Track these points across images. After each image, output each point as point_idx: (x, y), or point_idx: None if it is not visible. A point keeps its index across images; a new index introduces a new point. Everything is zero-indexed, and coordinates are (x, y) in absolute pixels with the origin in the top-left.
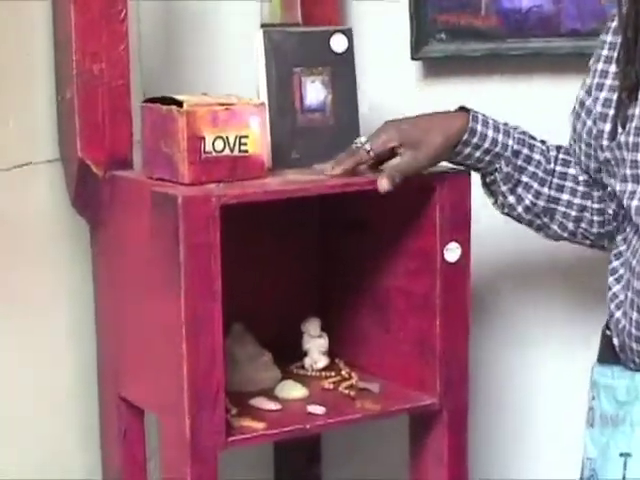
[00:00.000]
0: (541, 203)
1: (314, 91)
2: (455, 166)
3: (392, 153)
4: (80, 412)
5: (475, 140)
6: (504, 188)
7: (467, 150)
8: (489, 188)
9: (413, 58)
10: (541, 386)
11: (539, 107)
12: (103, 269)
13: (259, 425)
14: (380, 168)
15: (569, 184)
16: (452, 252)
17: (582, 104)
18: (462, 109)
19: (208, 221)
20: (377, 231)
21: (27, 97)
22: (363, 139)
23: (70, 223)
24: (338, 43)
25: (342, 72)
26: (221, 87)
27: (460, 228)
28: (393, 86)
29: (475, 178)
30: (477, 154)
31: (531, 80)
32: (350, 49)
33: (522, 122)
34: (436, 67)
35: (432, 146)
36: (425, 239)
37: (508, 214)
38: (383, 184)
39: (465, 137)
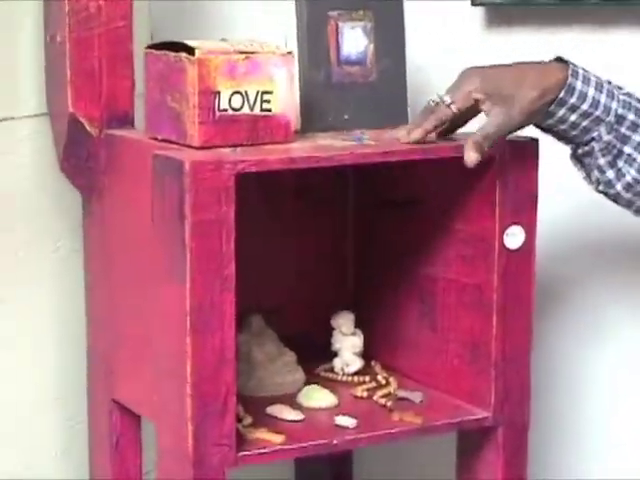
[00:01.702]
0: None
1: (353, 40)
2: (540, 132)
3: (476, 109)
4: (65, 416)
5: (573, 100)
6: (602, 161)
7: (561, 112)
8: (581, 160)
9: (474, 3)
10: (615, 401)
11: (626, 65)
12: (96, 248)
13: (277, 438)
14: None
15: None
16: (513, 237)
17: None
18: (558, 60)
19: (220, 193)
20: (424, 210)
21: (8, 39)
22: (441, 92)
23: (58, 191)
24: None
25: (387, 18)
26: (243, 34)
27: (524, 209)
28: (449, 36)
29: (544, 147)
30: (573, 117)
31: (617, 32)
32: None
33: None
34: (502, 14)
35: (527, 100)
36: (482, 221)
37: (604, 192)
38: (471, 157)
39: (561, 95)
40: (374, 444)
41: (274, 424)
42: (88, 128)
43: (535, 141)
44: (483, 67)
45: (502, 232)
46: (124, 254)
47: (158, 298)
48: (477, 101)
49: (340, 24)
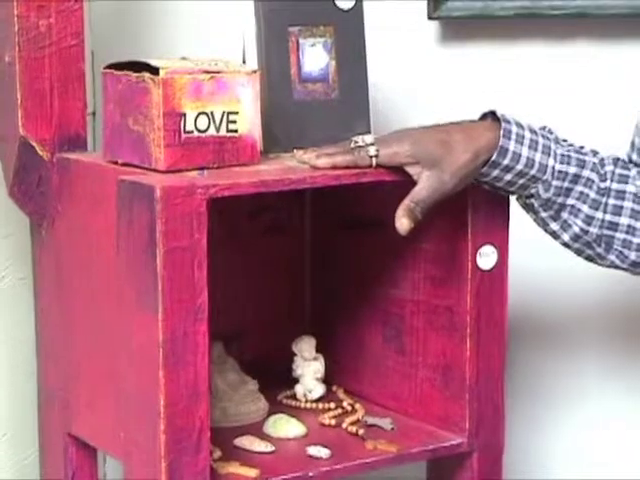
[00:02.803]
0: (594, 230)
1: (314, 56)
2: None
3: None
4: (16, 452)
5: (506, 162)
6: (544, 215)
7: (495, 172)
8: (526, 208)
9: (431, 17)
10: (583, 415)
11: (584, 78)
12: (49, 277)
13: (251, 472)
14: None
15: (628, 205)
16: (486, 258)
17: None
18: (489, 115)
19: (192, 219)
20: (390, 230)
21: None
22: (369, 139)
23: (7, 218)
24: None
25: (348, 34)
26: (191, 50)
27: (496, 228)
28: (407, 51)
29: None
30: (508, 177)
31: (575, 45)
32: (359, 6)
33: (563, 97)
34: (459, 28)
35: (458, 164)
36: (453, 241)
37: (552, 238)
38: (403, 224)
39: (494, 157)
40: (350, 475)
41: (245, 457)
42: (39, 151)
43: None
44: (414, 130)
45: (475, 252)
46: (81, 283)
47: (124, 329)
48: (403, 164)
49: (301, 40)
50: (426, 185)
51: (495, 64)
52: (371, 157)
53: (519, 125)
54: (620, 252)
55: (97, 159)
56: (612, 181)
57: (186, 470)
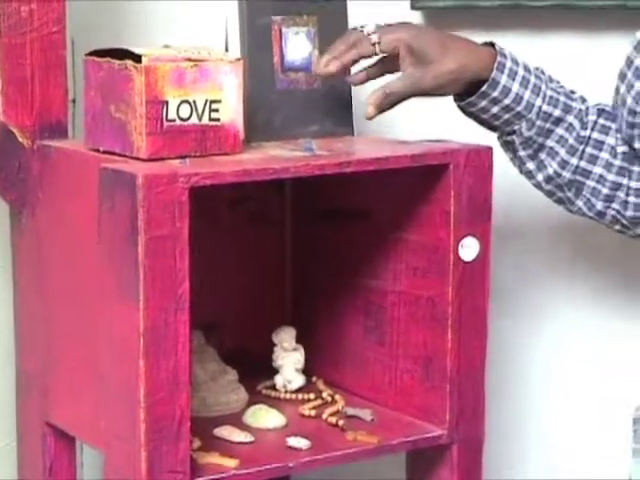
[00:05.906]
0: (567, 174)
1: (297, 45)
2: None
3: (397, 63)
4: None
5: (495, 94)
6: (522, 153)
7: (483, 103)
8: (506, 146)
9: (414, 7)
10: (567, 404)
11: (565, 69)
12: (29, 265)
13: (231, 463)
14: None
15: (604, 155)
16: (468, 249)
17: (630, 63)
18: (490, 45)
19: (174, 207)
20: (372, 221)
21: None
22: (370, 27)
23: None
24: None
25: (332, 23)
26: (172, 38)
27: (479, 219)
28: None
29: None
30: (494, 110)
31: (558, 37)
32: None
33: None
34: (441, 19)
35: (444, 69)
36: (435, 232)
37: (526, 178)
38: (369, 112)
39: (483, 88)
40: (330, 465)
41: (224, 447)
42: (20, 138)
43: (490, 149)
44: (418, 26)
45: (457, 243)
46: (62, 271)
47: (105, 319)
48: (398, 54)
49: (284, 29)
50: (406, 80)
51: None
52: (373, 44)
53: (514, 61)
54: (588, 199)
55: (78, 146)
56: (593, 130)
57: (166, 459)
